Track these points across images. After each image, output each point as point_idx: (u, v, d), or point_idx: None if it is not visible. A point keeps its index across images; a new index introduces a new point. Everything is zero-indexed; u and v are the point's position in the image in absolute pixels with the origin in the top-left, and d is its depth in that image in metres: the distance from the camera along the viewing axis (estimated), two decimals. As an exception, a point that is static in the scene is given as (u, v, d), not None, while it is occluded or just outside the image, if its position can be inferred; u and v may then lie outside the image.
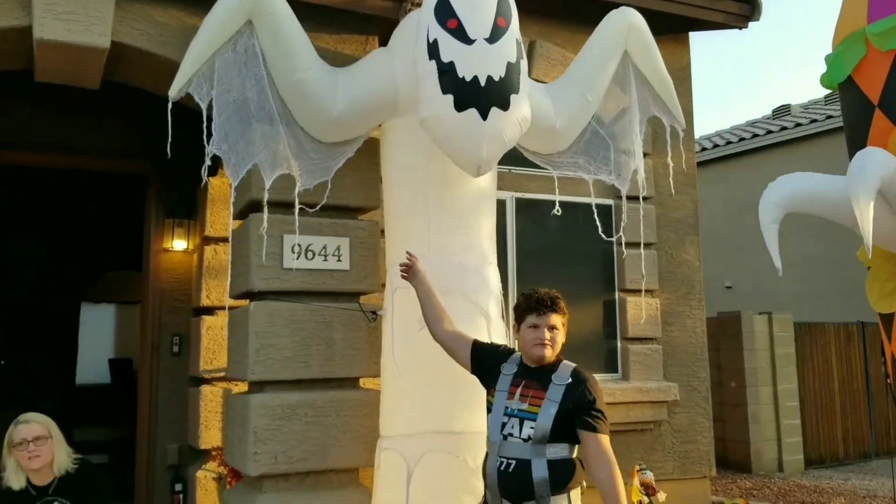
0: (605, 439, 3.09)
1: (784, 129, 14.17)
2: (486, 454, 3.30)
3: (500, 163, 4.18)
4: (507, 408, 3.22)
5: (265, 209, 4.06)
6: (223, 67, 3.91)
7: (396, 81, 4.18)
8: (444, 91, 3.70)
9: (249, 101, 3.96)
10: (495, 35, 3.74)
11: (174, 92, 3.83)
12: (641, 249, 5.66)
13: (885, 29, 3.56)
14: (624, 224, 5.27)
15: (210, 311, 5.67)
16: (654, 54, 4.72)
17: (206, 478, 5.44)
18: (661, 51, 4.85)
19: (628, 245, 5.94)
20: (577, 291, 6.07)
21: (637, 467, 5.36)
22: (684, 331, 6.58)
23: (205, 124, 3.87)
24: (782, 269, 3.30)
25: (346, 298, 4.53)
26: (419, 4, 4.15)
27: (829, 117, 13.35)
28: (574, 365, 3.26)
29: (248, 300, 4.47)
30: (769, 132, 14.50)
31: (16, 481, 3.61)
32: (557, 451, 3.11)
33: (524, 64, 3.91)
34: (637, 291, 6.27)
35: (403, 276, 3.91)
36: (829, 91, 15.76)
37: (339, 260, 4.47)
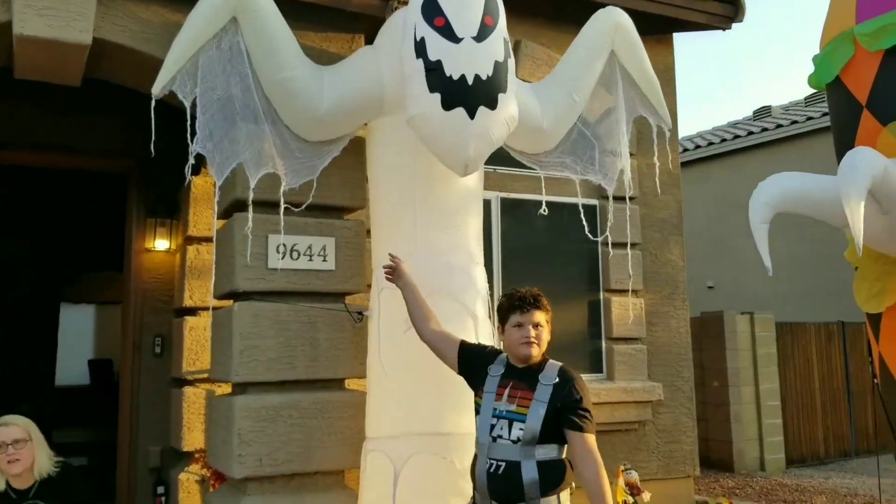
0: (591, 438, 3.08)
1: (765, 130, 14.28)
2: (475, 456, 3.29)
3: (485, 162, 4.17)
4: (495, 409, 3.21)
5: (250, 208, 4.01)
6: (207, 65, 3.86)
7: (383, 80, 4.15)
8: (432, 90, 3.67)
9: (234, 99, 3.92)
10: (483, 33, 3.72)
11: (157, 89, 3.78)
12: (628, 250, 5.66)
13: (873, 29, 3.58)
14: (610, 224, 5.27)
15: (193, 311, 5.61)
16: (640, 54, 4.72)
17: (188, 480, 5.38)
18: (646, 51, 4.85)
19: (614, 245, 5.95)
20: (562, 291, 6.06)
21: (622, 467, 5.37)
22: (668, 331, 6.59)
23: (189, 122, 3.82)
24: (769, 269, 3.29)
25: (331, 299, 4.49)
26: (406, 2, 4.12)
27: (810, 118, 13.47)
28: (560, 364, 3.25)
29: (232, 301, 4.42)
30: (750, 133, 14.61)
31: (-5, 485, 3.54)
32: (547, 451, 3.10)
33: (512, 63, 3.89)
34: (621, 291, 6.28)
35: (388, 279, 3.88)
36: (809, 93, 15.99)
37: (324, 260, 4.43)
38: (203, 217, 5.60)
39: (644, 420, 6.31)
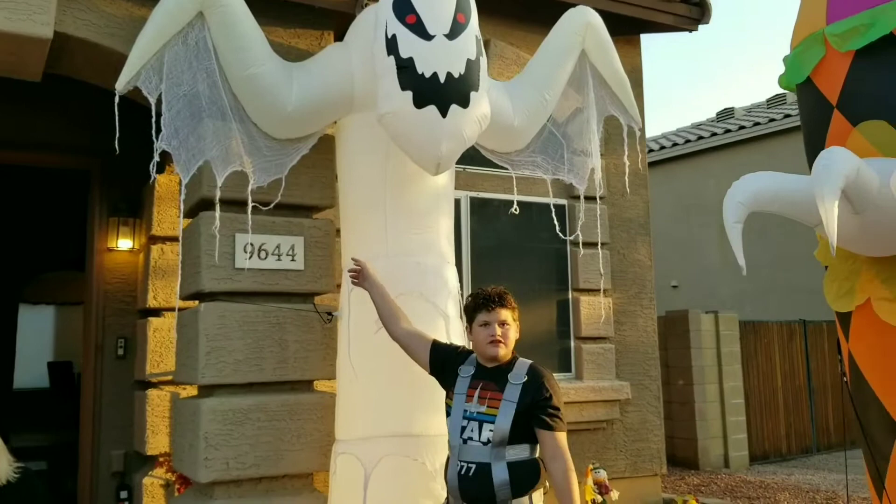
0: (561, 437, 3.08)
1: (728, 131, 14.47)
2: (448, 458, 3.26)
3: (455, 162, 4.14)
4: (465, 411, 3.19)
5: (217, 207, 3.94)
6: (173, 60, 3.78)
7: (353, 77, 4.10)
8: (403, 87, 3.64)
9: (201, 96, 3.84)
10: (455, 31, 3.69)
11: (121, 85, 3.69)
12: (599, 249, 5.68)
13: (844, 30, 3.61)
14: (581, 223, 5.28)
15: (157, 312, 5.50)
16: (611, 53, 4.73)
17: (153, 485, 5.28)
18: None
19: (582, 245, 5.97)
20: (531, 291, 6.08)
21: (591, 466, 5.39)
22: (636, 330, 6.63)
23: (154, 119, 3.73)
24: (743, 267, 3.31)
25: (300, 299, 4.43)
26: (376, -1, 4.08)
27: (772, 120, 13.68)
28: (530, 362, 3.24)
29: (198, 301, 4.34)
30: (714, 134, 14.79)
31: (-48, 492, 3.43)
32: (518, 452, 3.08)
33: (484, 61, 3.87)
34: (590, 291, 6.31)
35: (354, 282, 3.84)
36: (771, 94, 16.23)
37: (293, 260, 4.37)
38: (167, 216, 5.50)
39: (612, 419, 6.34)
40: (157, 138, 3.71)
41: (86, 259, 6.17)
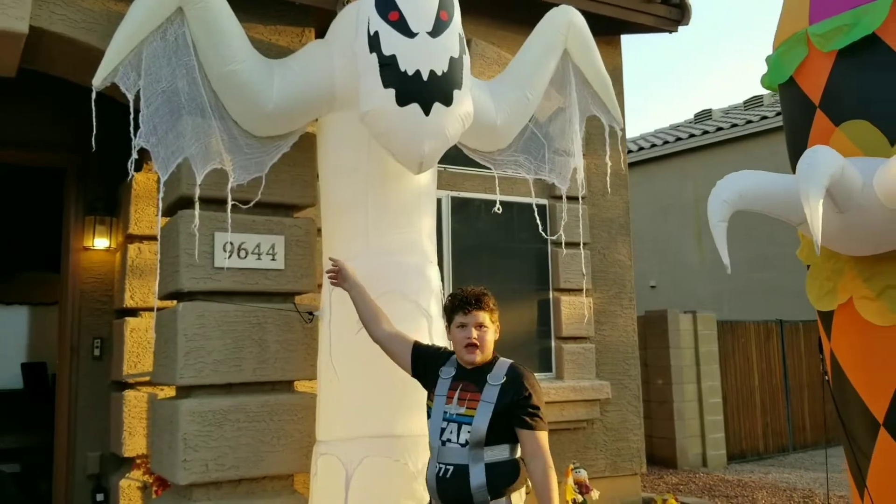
0: (541, 436, 3.06)
1: (706, 132, 14.57)
2: (430, 459, 3.25)
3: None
4: (445, 412, 3.18)
5: (196, 205, 3.89)
6: (152, 56, 3.73)
7: (334, 74, 4.06)
8: (386, 85, 3.61)
9: (180, 92, 3.78)
10: (438, 29, 3.67)
11: (98, 81, 3.63)
12: (581, 249, 5.69)
13: (827, 30, 3.63)
14: (564, 222, 5.28)
15: (134, 312, 5.43)
16: (593, 53, 4.73)
17: (130, 487, 5.21)
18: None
19: (563, 245, 5.97)
20: (511, 291, 6.07)
21: (571, 466, 5.39)
22: (616, 329, 6.65)
23: (132, 116, 3.67)
24: (727, 266, 3.32)
25: (280, 299, 4.39)
26: (357, -4, 4.04)
27: (749, 122, 13.79)
28: (510, 362, 3.23)
29: (176, 301, 4.28)
30: (692, 136, 14.88)
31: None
32: (496, 453, 3.06)
33: (467, 59, 3.86)
34: (571, 291, 6.31)
35: (333, 283, 3.81)
36: (748, 96, 16.38)
37: (273, 259, 4.32)
38: (145, 215, 5.43)
39: (592, 418, 6.35)
40: (135, 135, 3.66)
41: (61, 258, 6.08)
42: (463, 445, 3.06)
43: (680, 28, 6.83)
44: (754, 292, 13.33)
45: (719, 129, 14.33)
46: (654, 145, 15.55)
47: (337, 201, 4.18)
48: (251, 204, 4.14)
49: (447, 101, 3.68)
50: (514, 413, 3.05)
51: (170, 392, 4.81)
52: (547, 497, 2.96)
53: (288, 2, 4.51)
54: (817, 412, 11.09)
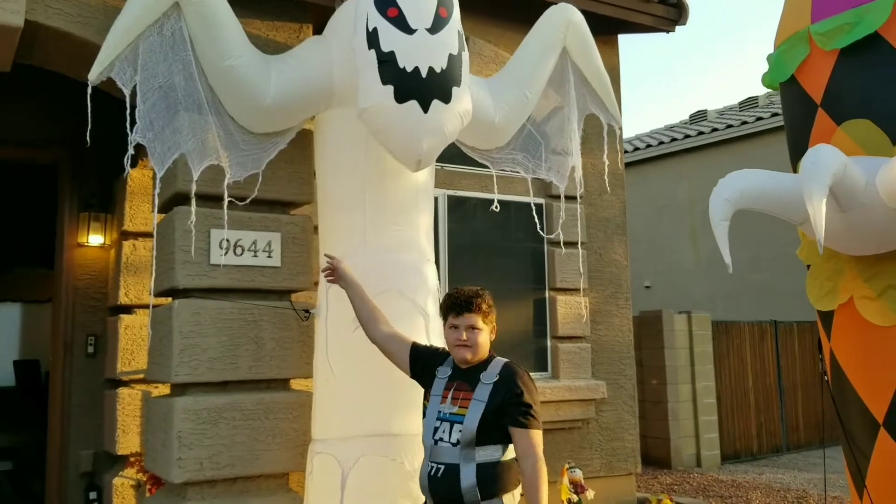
0: (534, 435, 3.02)
1: (701, 133, 14.58)
2: (423, 458, 3.23)
3: (433, 159, 4.09)
4: (439, 412, 3.17)
5: (193, 202, 3.86)
6: (148, 51, 3.69)
7: (332, 71, 4.04)
8: (384, 82, 3.59)
9: (176, 88, 3.75)
10: (437, 25, 3.65)
11: (94, 76, 3.59)
12: (579, 248, 5.68)
13: (829, 28, 3.62)
14: (562, 221, 5.26)
15: (128, 309, 5.40)
16: (592, 51, 4.72)
17: (123, 485, 5.18)
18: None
19: (559, 244, 5.96)
20: (507, 290, 6.06)
21: (566, 465, 5.37)
22: (612, 329, 6.64)
23: (128, 111, 3.64)
24: (729, 265, 3.30)
25: (276, 296, 4.36)
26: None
27: (744, 123, 13.81)
28: (505, 361, 3.21)
29: (171, 298, 4.25)
30: (687, 136, 14.89)
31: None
32: (488, 454, 3.04)
33: (466, 56, 3.84)
34: (567, 290, 6.30)
35: (329, 280, 3.78)
36: (744, 97, 16.42)
37: (269, 256, 4.30)
38: (140, 211, 5.40)
39: (588, 418, 6.34)
40: (131, 131, 3.62)
41: (55, 255, 6.05)
42: (454, 445, 3.04)
43: (677, 28, 6.83)
44: (749, 293, 13.36)
45: (714, 129, 14.35)
46: (649, 146, 15.57)
47: (334, 199, 4.16)
48: (248, 201, 4.11)
49: (446, 99, 3.66)
50: (506, 411, 3.03)
51: (164, 390, 4.78)
52: (535, 497, 2.93)
53: (286, -3, 4.49)
54: (811, 413, 11.12)
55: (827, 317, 3.89)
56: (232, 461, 4.05)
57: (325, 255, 3.85)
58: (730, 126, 14.09)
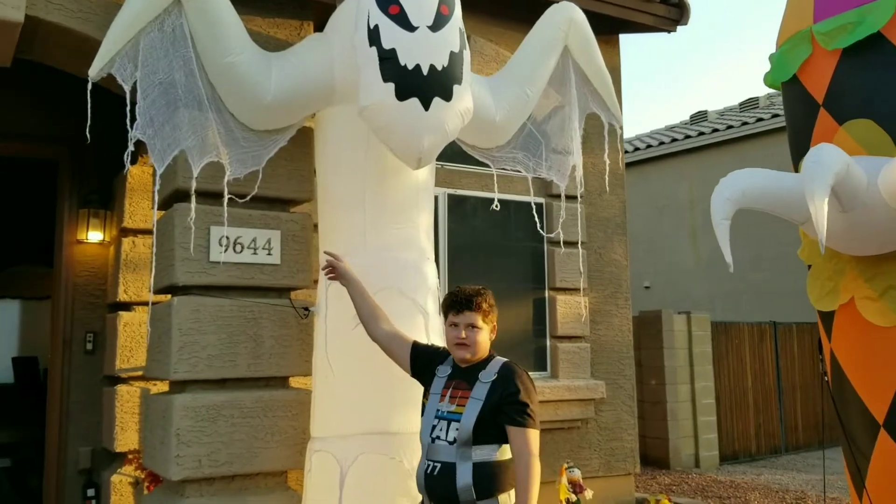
0: (530, 434, 3.00)
1: (702, 133, 14.59)
2: (421, 456, 3.23)
3: (433, 157, 4.08)
4: (438, 410, 3.17)
5: (192, 198, 3.85)
6: (149, 47, 3.67)
7: (333, 68, 4.02)
8: (386, 79, 3.57)
9: (177, 84, 3.73)
10: (439, 23, 3.64)
11: (94, 72, 3.58)
12: (579, 248, 5.67)
13: (831, 28, 3.62)
14: (562, 221, 5.25)
15: (127, 306, 5.39)
16: (593, 50, 4.71)
17: (121, 482, 5.17)
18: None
19: (559, 244, 5.95)
20: (507, 289, 6.05)
21: (565, 465, 5.37)
22: (611, 329, 6.63)
23: (128, 108, 3.63)
24: (730, 265, 3.29)
25: (275, 294, 4.35)
26: (358, -11, 4.00)
27: (745, 123, 13.81)
28: (504, 360, 3.20)
29: (171, 295, 4.24)
30: (687, 137, 14.90)
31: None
32: (485, 453, 3.03)
33: (467, 54, 3.82)
34: (566, 290, 6.29)
35: (330, 278, 3.78)
36: (744, 98, 16.44)
37: (269, 253, 4.29)
38: (139, 208, 5.38)
39: (587, 418, 6.33)
40: (131, 127, 3.61)
41: (54, 252, 6.04)
42: (451, 443, 3.04)
43: (678, 28, 6.83)
44: (748, 293, 13.36)
45: (715, 130, 14.36)
46: (649, 146, 15.57)
47: (334, 196, 4.14)
48: (248, 198, 4.10)
49: (447, 96, 3.65)
50: (503, 410, 3.02)
51: (163, 387, 4.77)
52: (525, 495, 2.91)
53: (287, -6, 4.48)
54: (810, 414, 11.12)
55: (827, 317, 3.88)
56: (230, 459, 4.04)
57: (326, 253, 3.84)
58: (730, 126, 14.10)
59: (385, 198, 4.05)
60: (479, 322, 3.17)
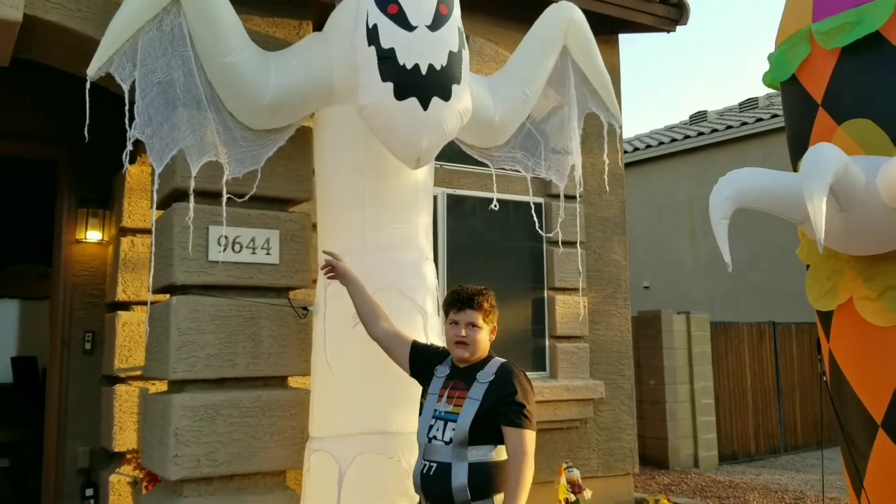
0: (526, 435, 2.99)
1: (701, 134, 14.59)
2: (417, 456, 3.22)
3: (432, 157, 4.08)
4: (435, 410, 3.16)
5: (191, 198, 3.85)
6: (147, 47, 3.67)
7: (332, 68, 4.02)
8: (384, 79, 3.58)
9: (175, 84, 3.73)
10: (437, 22, 3.64)
11: (93, 71, 3.58)
12: (578, 248, 5.67)
13: (830, 27, 3.62)
14: (561, 220, 5.25)
15: (126, 306, 5.39)
16: (592, 50, 4.71)
17: (120, 482, 5.16)
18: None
19: (558, 243, 5.96)
20: (506, 289, 6.04)
21: (564, 465, 5.37)
22: (610, 329, 6.63)
23: (126, 107, 3.63)
24: (728, 264, 3.29)
25: (274, 293, 4.35)
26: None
27: (744, 124, 13.81)
28: (503, 361, 3.19)
29: (169, 294, 4.24)
30: (686, 137, 14.90)
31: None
32: (481, 453, 3.02)
33: (466, 54, 3.82)
34: (565, 290, 6.29)
35: (330, 277, 3.78)
36: (743, 98, 16.44)
37: (268, 253, 4.29)
38: (138, 207, 5.38)
39: (586, 418, 6.33)
40: (129, 127, 3.61)
41: (53, 251, 6.03)
42: (447, 443, 3.03)
43: (678, 28, 6.83)
44: (747, 293, 13.36)
45: (714, 130, 14.36)
46: (648, 146, 15.57)
47: (333, 196, 4.14)
48: (246, 197, 4.10)
49: (446, 96, 3.65)
50: (500, 410, 3.01)
51: (161, 386, 4.77)
52: (514, 493, 2.90)
53: (286, -6, 4.48)
54: (809, 414, 11.12)
55: (826, 317, 3.88)
56: (229, 458, 4.04)
57: (325, 252, 3.84)
58: (729, 127, 14.10)
59: (384, 197, 4.05)
60: (480, 321, 3.17)
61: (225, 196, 3.91)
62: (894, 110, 3.47)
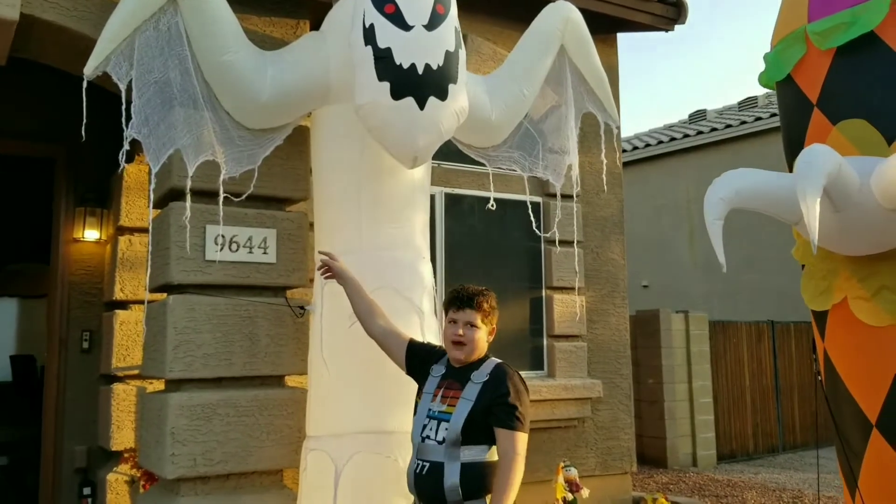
0: (518, 437, 2.97)
1: (700, 133, 14.58)
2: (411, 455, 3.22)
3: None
4: (429, 410, 3.15)
5: (188, 197, 3.85)
6: (144, 46, 3.67)
7: (329, 67, 4.02)
8: (381, 78, 3.57)
9: (172, 83, 3.73)
10: (434, 22, 3.64)
11: (90, 70, 3.57)
12: (575, 247, 5.67)
13: (825, 28, 3.63)
14: (558, 220, 5.25)
15: (124, 305, 5.39)
16: (590, 49, 4.71)
17: (117, 481, 5.17)
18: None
19: (556, 242, 5.96)
20: (504, 288, 6.03)
21: (561, 464, 5.38)
22: (608, 328, 6.63)
23: (123, 106, 3.63)
24: (723, 265, 3.29)
25: (271, 293, 4.35)
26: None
27: (743, 123, 13.81)
28: (498, 361, 3.18)
29: (166, 294, 4.24)
30: (686, 136, 14.89)
31: None
32: (474, 453, 3.00)
33: (462, 53, 3.82)
34: (563, 289, 6.29)
35: (327, 277, 3.78)
36: (743, 97, 16.45)
37: (265, 252, 4.29)
38: (136, 206, 5.39)
39: (583, 417, 6.33)
40: (126, 126, 3.61)
41: (51, 250, 6.04)
42: (440, 443, 3.02)
43: (676, 27, 6.83)
44: (746, 292, 13.36)
45: (713, 129, 14.35)
46: (647, 145, 15.57)
47: (330, 195, 4.14)
48: (243, 197, 4.10)
49: (442, 96, 3.65)
50: (493, 411, 3.00)
51: (159, 385, 4.77)
52: (501, 492, 2.89)
53: (283, -7, 4.48)
54: (807, 413, 11.13)
55: (821, 317, 3.88)
56: (225, 457, 4.04)
57: (321, 252, 3.84)
58: (729, 126, 14.10)
59: (381, 197, 4.05)
60: (478, 321, 3.16)
61: (222, 195, 3.91)
62: (889, 110, 3.48)
